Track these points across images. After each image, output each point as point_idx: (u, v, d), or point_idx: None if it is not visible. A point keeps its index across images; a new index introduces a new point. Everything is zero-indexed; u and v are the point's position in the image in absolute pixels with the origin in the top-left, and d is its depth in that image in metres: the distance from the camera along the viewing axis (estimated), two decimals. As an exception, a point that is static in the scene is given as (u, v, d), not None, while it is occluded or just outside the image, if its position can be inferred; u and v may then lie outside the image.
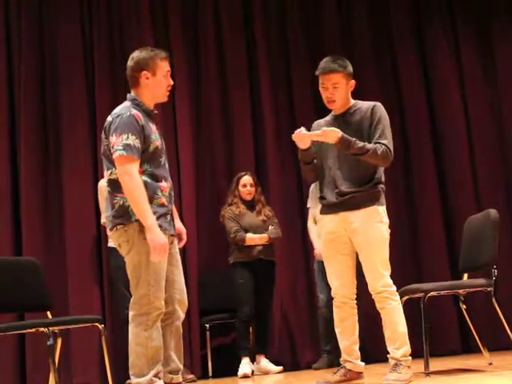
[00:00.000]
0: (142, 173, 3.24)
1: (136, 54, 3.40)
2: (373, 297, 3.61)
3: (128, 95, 3.41)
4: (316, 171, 3.79)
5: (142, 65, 3.35)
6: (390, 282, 3.59)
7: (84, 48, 6.00)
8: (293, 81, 6.27)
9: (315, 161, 3.76)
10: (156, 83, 3.37)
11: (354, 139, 3.55)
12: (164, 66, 3.39)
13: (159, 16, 6.19)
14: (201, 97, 6.19)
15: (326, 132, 3.54)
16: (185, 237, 3.59)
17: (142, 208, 3.16)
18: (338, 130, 3.54)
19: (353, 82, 3.72)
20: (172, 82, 3.46)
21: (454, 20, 6.46)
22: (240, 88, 6.19)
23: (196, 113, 6.14)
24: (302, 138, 3.62)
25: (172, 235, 3.39)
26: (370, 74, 6.25)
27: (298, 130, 3.63)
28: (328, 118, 3.82)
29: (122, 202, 3.24)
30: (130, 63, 3.40)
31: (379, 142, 3.58)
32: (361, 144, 3.55)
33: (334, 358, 5.37)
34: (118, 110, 3.32)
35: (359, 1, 6.43)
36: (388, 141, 3.61)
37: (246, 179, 5.60)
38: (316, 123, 3.87)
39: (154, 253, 3.14)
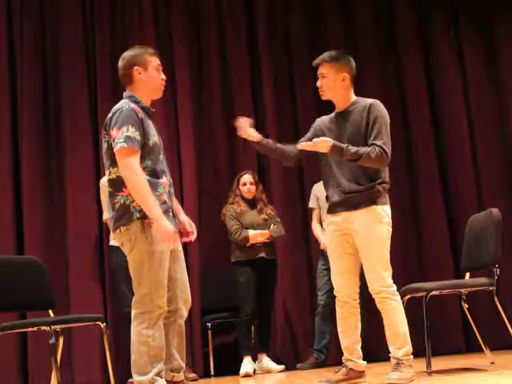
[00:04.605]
0: (143, 169, 3.25)
1: (126, 54, 3.46)
2: (373, 297, 3.61)
3: (124, 93, 3.44)
4: (291, 158, 3.78)
5: (132, 61, 3.40)
6: (390, 282, 3.58)
7: (85, 46, 6.00)
8: (295, 79, 6.27)
9: (277, 145, 3.77)
10: (149, 77, 3.40)
11: (345, 145, 3.54)
12: (154, 61, 3.44)
13: (162, 14, 6.18)
14: (203, 95, 6.19)
15: (316, 143, 3.55)
16: (194, 230, 3.56)
17: (147, 199, 3.16)
18: (329, 139, 3.54)
19: (345, 75, 3.67)
20: (164, 77, 3.49)
21: (456, 18, 6.46)
22: (242, 87, 6.20)
23: (198, 111, 6.14)
24: (245, 130, 3.70)
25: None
26: (372, 73, 6.27)
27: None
28: (332, 114, 3.82)
29: (122, 201, 3.25)
30: (121, 63, 3.45)
31: (374, 144, 3.56)
32: (353, 150, 3.53)
33: (323, 359, 5.38)
34: (116, 106, 3.35)
35: (362, -1, 6.46)
36: (384, 141, 3.57)
37: (246, 178, 5.60)
38: (320, 119, 3.86)
39: (163, 242, 3.15)
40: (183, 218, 3.55)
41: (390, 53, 6.42)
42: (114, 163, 3.26)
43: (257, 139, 3.77)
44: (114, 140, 3.23)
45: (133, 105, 3.30)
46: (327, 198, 3.76)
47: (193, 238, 3.57)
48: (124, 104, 3.31)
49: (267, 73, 6.23)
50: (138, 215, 3.20)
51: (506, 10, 6.40)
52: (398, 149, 5.95)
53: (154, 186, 3.25)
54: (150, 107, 3.43)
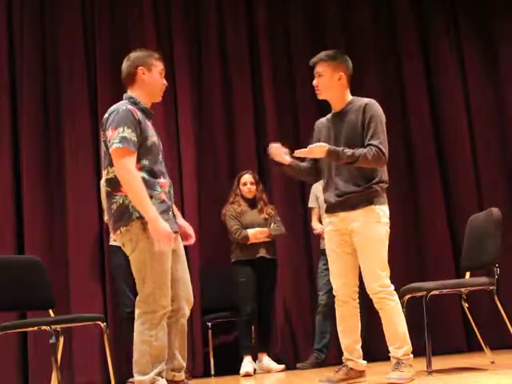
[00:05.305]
0: (141, 169, 3.25)
1: (132, 54, 3.49)
2: (371, 297, 3.62)
3: (124, 95, 3.45)
4: (310, 173, 3.84)
5: (137, 62, 3.43)
6: (388, 282, 3.58)
7: (85, 45, 5.99)
8: (295, 79, 6.28)
9: (303, 164, 3.80)
10: (151, 79, 3.43)
11: (341, 149, 3.54)
12: (158, 65, 3.47)
13: (162, 13, 6.18)
14: (203, 95, 6.19)
15: (312, 149, 3.56)
16: (193, 234, 3.59)
17: (142, 200, 3.15)
18: (325, 144, 3.56)
19: (341, 74, 3.67)
20: (166, 83, 3.51)
21: (456, 18, 6.47)
22: (242, 86, 6.20)
23: (198, 111, 6.14)
24: (278, 154, 3.69)
25: (175, 232, 3.40)
26: (372, 73, 6.28)
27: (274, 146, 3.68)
28: (329, 116, 3.83)
29: (121, 201, 3.24)
30: (125, 63, 3.48)
31: (370, 144, 3.56)
32: (349, 152, 3.53)
33: (323, 358, 5.39)
34: (114, 106, 3.36)
35: (362, -2, 6.46)
36: (380, 141, 3.56)
37: (247, 177, 5.61)
38: (319, 122, 3.88)
39: (159, 243, 3.13)
40: (181, 222, 3.55)
41: (390, 53, 6.42)
42: (112, 163, 3.26)
43: (288, 162, 3.76)
44: (109, 140, 3.23)
45: (130, 106, 3.31)
46: (325, 199, 3.76)
47: (191, 241, 3.59)
48: (121, 105, 3.32)
49: (267, 72, 6.23)
50: (138, 214, 3.19)
51: (506, 10, 6.41)
52: (398, 148, 5.98)
53: (151, 186, 3.25)
54: (149, 109, 3.44)
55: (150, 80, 3.42)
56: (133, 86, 3.43)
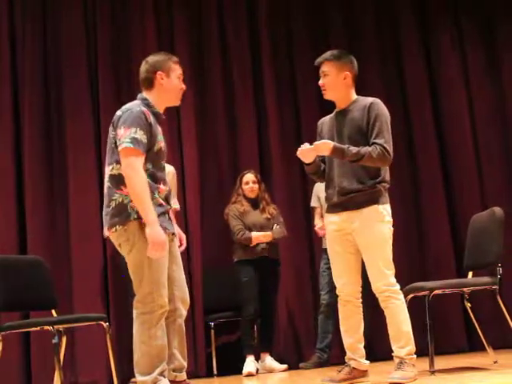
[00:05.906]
0: (144, 172, 3.25)
1: (150, 58, 3.47)
2: (376, 296, 3.61)
3: (139, 95, 3.44)
4: (323, 176, 3.81)
5: (156, 66, 3.41)
6: (393, 281, 3.58)
7: (87, 43, 5.99)
8: (297, 78, 6.28)
9: (322, 167, 3.77)
10: (170, 84, 3.42)
11: (346, 146, 3.54)
12: (177, 69, 3.46)
13: (163, 16, 6.18)
14: (205, 95, 6.19)
15: (317, 146, 3.56)
16: (184, 242, 3.61)
17: (145, 203, 3.15)
18: (330, 142, 3.56)
19: (346, 73, 3.68)
20: (184, 87, 3.50)
21: (458, 18, 6.46)
22: (244, 85, 6.20)
23: (200, 111, 6.14)
24: (306, 153, 3.63)
25: (173, 234, 3.40)
26: (374, 73, 6.27)
27: (303, 146, 3.62)
28: (332, 114, 3.83)
29: (121, 200, 3.24)
30: (143, 66, 3.46)
31: (375, 143, 3.56)
32: (354, 150, 3.53)
33: (325, 358, 5.39)
34: (128, 105, 3.35)
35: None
36: (385, 140, 3.57)
37: (249, 177, 5.61)
38: (321, 121, 3.88)
39: (152, 249, 3.13)
40: (175, 228, 3.55)
41: (392, 54, 6.42)
42: (118, 160, 3.25)
43: (311, 160, 3.71)
44: (119, 139, 3.23)
45: (144, 108, 3.30)
46: (327, 198, 3.76)
47: (182, 248, 3.60)
48: (135, 105, 3.31)
49: (269, 74, 6.22)
50: (136, 216, 3.20)
51: (507, 10, 6.40)
52: (401, 149, 5.97)
53: (152, 190, 3.25)
54: (161, 113, 3.44)
55: (168, 85, 3.41)
56: (150, 89, 3.42)
